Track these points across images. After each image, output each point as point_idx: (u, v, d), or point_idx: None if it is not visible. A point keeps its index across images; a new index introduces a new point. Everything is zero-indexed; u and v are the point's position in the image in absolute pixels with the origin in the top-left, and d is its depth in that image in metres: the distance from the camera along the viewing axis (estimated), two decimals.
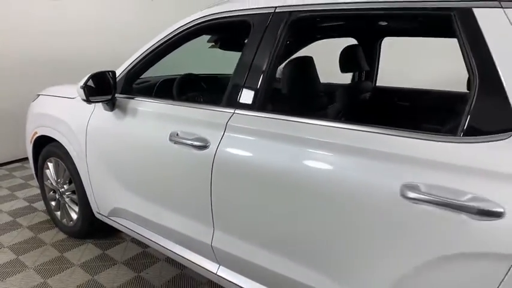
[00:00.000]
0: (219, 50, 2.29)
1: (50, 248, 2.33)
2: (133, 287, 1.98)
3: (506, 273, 0.87)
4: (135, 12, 4.70)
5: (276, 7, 1.41)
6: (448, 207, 0.93)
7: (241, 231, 1.43)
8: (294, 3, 1.35)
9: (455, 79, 2.06)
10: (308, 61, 1.76)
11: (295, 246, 1.27)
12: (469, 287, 0.93)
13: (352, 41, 2.32)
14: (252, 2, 1.49)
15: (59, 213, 2.49)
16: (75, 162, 2.12)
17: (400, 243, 1.03)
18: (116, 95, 1.86)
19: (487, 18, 0.98)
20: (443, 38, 2.04)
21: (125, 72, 1.90)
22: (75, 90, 1.87)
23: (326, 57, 2.32)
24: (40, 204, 2.87)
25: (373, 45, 2.42)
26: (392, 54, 2.68)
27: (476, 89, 0.97)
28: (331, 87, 2.17)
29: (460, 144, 0.97)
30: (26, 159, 3.16)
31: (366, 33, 2.35)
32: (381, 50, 2.44)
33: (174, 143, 1.54)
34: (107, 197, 2.00)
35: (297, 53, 2.59)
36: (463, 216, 0.92)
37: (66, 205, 2.39)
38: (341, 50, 2.11)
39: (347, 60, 2.13)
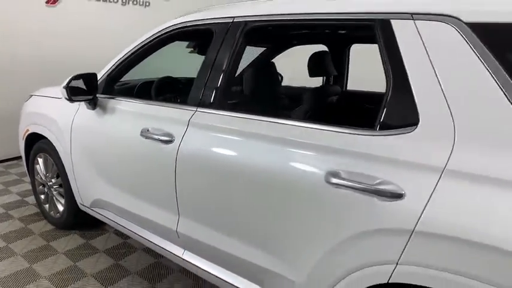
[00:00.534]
0: (198, 55, 2.48)
1: (37, 238, 2.49)
2: (111, 272, 2.13)
3: (406, 244, 1.01)
4: (131, 18, 4.88)
5: (234, 17, 1.58)
6: (362, 190, 1.09)
7: (200, 217, 1.59)
8: (248, 14, 1.53)
9: None
10: (268, 66, 1.92)
11: (243, 229, 1.43)
12: (381, 256, 1.08)
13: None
14: (216, 13, 1.67)
15: (47, 206, 2.66)
16: (62, 157, 2.29)
17: (326, 222, 1.18)
18: (98, 95, 2.04)
19: (400, 28, 1.14)
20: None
21: (106, 74, 2.08)
22: None
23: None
24: (32, 199, 3.03)
25: (342, 51, 2.59)
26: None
27: (390, 89, 1.13)
28: (301, 90, 2.33)
29: (375, 137, 1.12)
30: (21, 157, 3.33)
31: (327, 41, 2.55)
32: (350, 56, 2.60)
33: (145, 138, 1.71)
34: (89, 189, 2.17)
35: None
36: (374, 198, 1.07)
37: (54, 198, 2.56)
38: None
39: (314, 66, 2.28)
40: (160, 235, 1.83)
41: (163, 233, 1.80)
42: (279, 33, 2.29)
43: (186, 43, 2.53)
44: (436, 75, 1.04)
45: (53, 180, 2.52)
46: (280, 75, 3.59)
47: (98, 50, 4.53)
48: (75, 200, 2.33)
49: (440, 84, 1.03)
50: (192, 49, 2.46)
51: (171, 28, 1.81)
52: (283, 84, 2.96)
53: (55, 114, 2.32)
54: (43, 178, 2.59)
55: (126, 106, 1.93)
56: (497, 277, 0.88)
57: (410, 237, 1.00)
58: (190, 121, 1.58)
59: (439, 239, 0.96)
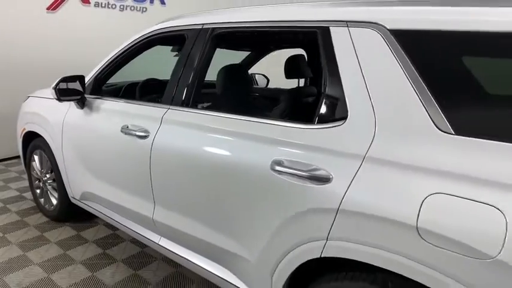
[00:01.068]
0: None
1: (32, 229, 2.67)
2: (99, 260, 2.30)
3: (333, 222, 1.16)
4: (129, 24, 5.08)
5: (203, 24, 1.75)
6: (299, 177, 1.24)
7: (172, 205, 1.75)
8: (215, 21, 1.70)
9: None
10: (238, 68, 2.09)
11: (206, 215, 1.59)
12: (315, 233, 1.22)
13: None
14: (188, 20, 1.84)
15: (42, 199, 2.84)
16: (54, 154, 2.47)
17: (271, 205, 1.34)
18: (86, 95, 2.21)
19: (337, 34, 1.29)
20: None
21: (93, 76, 2.26)
22: None
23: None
24: (29, 194, 3.22)
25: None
26: None
27: (326, 87, 1.28)
28: (279, 91, 2.49)
29: (312, 129, 1.28)
30: None
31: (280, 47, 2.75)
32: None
33: (125, 133, 1.88)
34: (78, 183, 2.34)
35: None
36: (307, 183, 1.22)
37: (48, 192, 2.74)
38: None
39: (290, 68, 2.44)
40: (140, 223, 2.00)
41: (142, 222, 1.96)
42: (240, 38, 2.49)
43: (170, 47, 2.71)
44: (363, 76, 1.19)
45: (47, 175, 2.70)
46: (266, 77, 3.76)
47: (96, 55, 4.73)
48: (67, 194, 2.51)
49: (365, 84, 1.19)
50: (177, 53, 2.64)
51: (150, 34, 1.99)
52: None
53: (48, 113, 2.50)
54: (38, 174, 2.78)
55: (110, 105, 2.11)
56: (404, 248, 1.02)
57: (336, 216, 1.15)
58: (163, 118, 1.75)
59: (358, 216, 1.10)
